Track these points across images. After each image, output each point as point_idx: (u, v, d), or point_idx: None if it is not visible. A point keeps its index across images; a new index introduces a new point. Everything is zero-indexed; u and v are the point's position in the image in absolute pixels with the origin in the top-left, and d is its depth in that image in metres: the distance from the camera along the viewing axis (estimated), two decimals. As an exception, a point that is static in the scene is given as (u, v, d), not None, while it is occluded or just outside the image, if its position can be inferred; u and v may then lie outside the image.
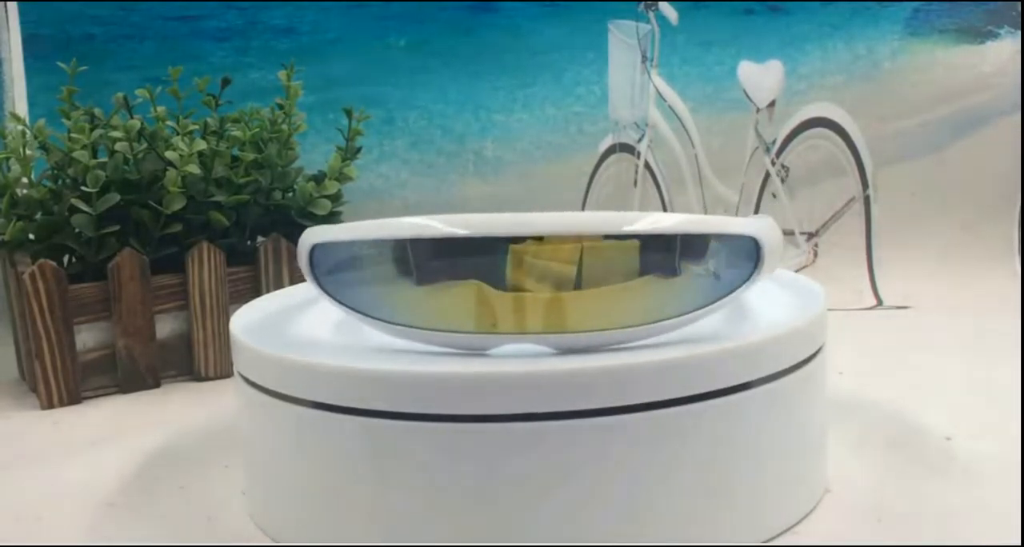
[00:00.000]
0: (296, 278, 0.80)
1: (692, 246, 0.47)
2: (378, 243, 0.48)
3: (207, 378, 0.78)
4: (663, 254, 0.47)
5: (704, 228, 0.47)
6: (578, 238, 0.46)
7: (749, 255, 0.46)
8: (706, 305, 0.46)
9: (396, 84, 1.06)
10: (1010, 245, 1.01)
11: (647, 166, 1.08)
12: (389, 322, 0.47)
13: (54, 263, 0.72)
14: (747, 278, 0.46)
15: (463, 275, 0.46)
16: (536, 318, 0.46)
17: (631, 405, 0.43)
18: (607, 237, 0.46)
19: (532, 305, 0.46)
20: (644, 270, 0.46)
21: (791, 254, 1.05)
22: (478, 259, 0.46)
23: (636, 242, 0.46)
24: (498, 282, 0.46)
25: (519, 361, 0.44)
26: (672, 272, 0.46)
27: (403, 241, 0.47)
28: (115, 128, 0.76)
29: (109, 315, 0.75)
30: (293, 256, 0.80)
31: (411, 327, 0.46)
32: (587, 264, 0.46)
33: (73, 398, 0.74)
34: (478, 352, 0.46)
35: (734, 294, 0.46)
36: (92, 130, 0.75)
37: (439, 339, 0.46)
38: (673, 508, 0.45)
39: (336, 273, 0.48)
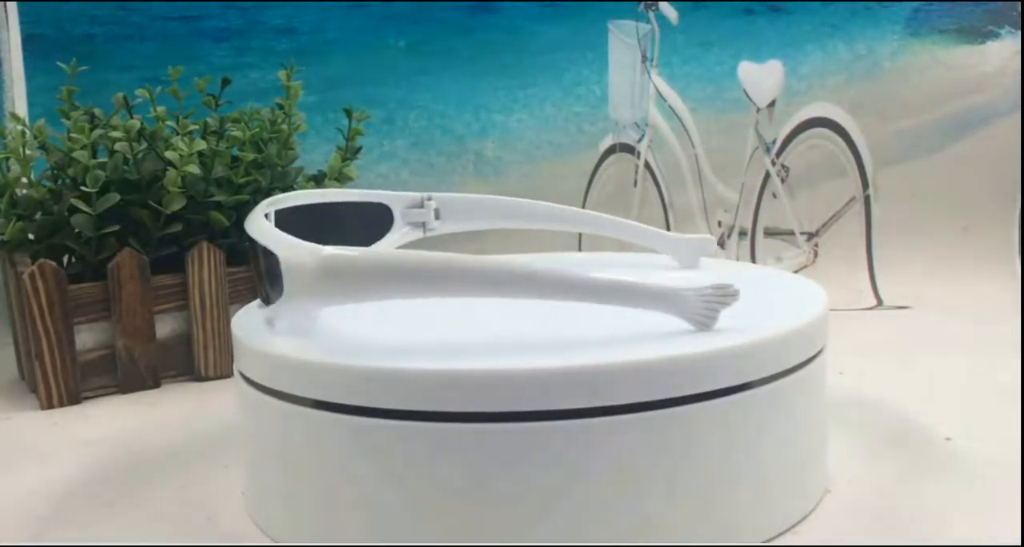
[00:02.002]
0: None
1: None
2: None
3: (207, 378, 0.79)
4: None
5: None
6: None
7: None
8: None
9: (396, 84, 1.06)
10: (1010, 245, 1.01)
11: (647, 166, 1.08)
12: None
13: (54, 263, 0.72)
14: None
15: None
16: None
17: (631, 405, 0.43)
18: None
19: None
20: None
21: (791, 254, 1.06)
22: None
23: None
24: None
25: (519, 361, 0.44)
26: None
27: None
28: (115, 128, 0.76)
29: (109, 315, 0.75)
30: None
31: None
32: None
33: (73, 398, 0.74)
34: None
35: None
36: (92, 130, 0.75)
37: None
38: (673, 508, 0.45)
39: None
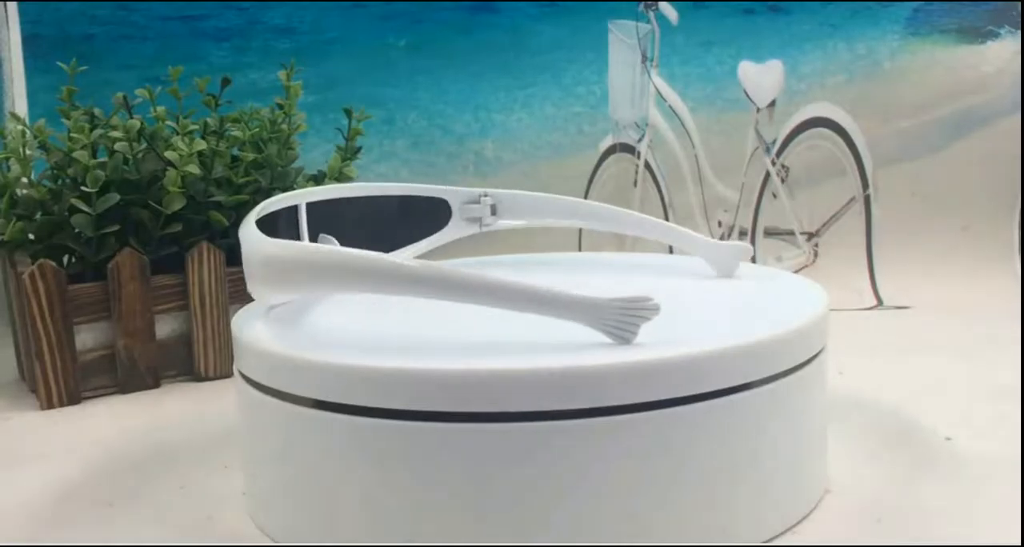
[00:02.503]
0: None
1: None
2: None
3: (207, 378, 0.78)
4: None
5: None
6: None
7: None
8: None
9: (396, 84, 1.06)
10: (1010, 245, 1.01)
11: (647, 166, 1.08)
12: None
13: (54, 263, 0.72)
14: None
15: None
16: None
17: (631, 405, 0.43)
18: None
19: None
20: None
21: (791, 254, 1.06)
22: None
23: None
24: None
25: (520, 361, 0.44)
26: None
27: None
28: (115, 128, 0.76)
29: (109, 315, 0.75)
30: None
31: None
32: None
33: (73, 398, 0.74)
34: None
35: None
36: (92, 130, 0.75)
37: None
38: (673, 508, 0.45)
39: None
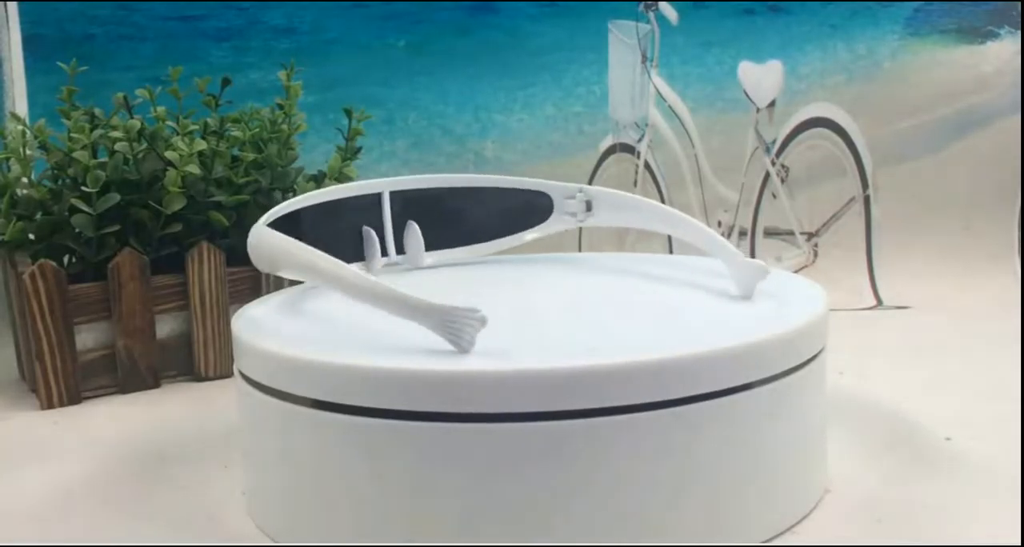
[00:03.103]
0: (296, 278, 0.80)
1: None
2: None
3: (207, 378, 0.79)
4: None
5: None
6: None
7: None
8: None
9: (396, 84, 1.06)
10: (1010, 245, 1.01)
11: (647, 166, 1.08)
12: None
13: (54, 263, 0.72)
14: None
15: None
16: None
17: (631, 405, 0.43)
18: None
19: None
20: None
21: (791, 254, 1.06)
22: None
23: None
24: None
25: (519, 361, 0.44)
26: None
27: None
28: (115, 128, 0.76)
29: (109, 315, 0.75)
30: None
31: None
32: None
33: (73, 398, 0.74)
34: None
35: None
36: (92, 130, 0.75)
37: None
38: (673, 508, 0.45)
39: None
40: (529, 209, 0.68)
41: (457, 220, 0.67)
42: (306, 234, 0.59)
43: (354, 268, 0.50)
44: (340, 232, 0.64)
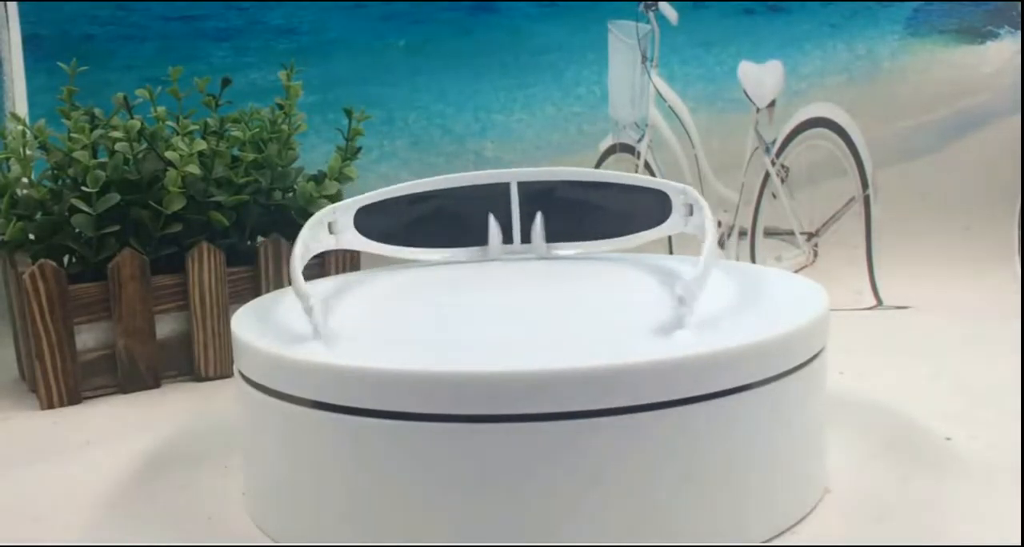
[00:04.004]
0: (296, 278, 0.80)
1: None
2: None
3: (207, 378, 0.79)
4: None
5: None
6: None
7: None
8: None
9: (396, 84, 1.06)
10: (1010, 245, 1.01)
11: (647, 166, 1.08)
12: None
13: (54, 263, 0.72)
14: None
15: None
16: None
17: (630, 406, 0.43)
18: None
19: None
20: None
21: (791, 254, 1.06)
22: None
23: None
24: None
25: (519, 361, 0.44)
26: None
27: None
28: (115, 128, 0.76)
29: (109, 315, 0.75)
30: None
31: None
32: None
33: (73, 398, 0.74)
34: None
35: None
36: (92, 130, 0.75)
37: None
38: (672, 509, 0.45)
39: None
40: (658, 208, 0.66)
41: (576, 213, 0.68)
42: (434, 216, 0.65)
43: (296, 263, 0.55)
44: (466, 217, 0.68)
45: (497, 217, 0.67)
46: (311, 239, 0.61)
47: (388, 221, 0.67)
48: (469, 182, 0.67)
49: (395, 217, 0.67)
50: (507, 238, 0.67)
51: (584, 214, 0.68)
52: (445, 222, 0.68)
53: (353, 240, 0.66)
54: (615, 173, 0.68)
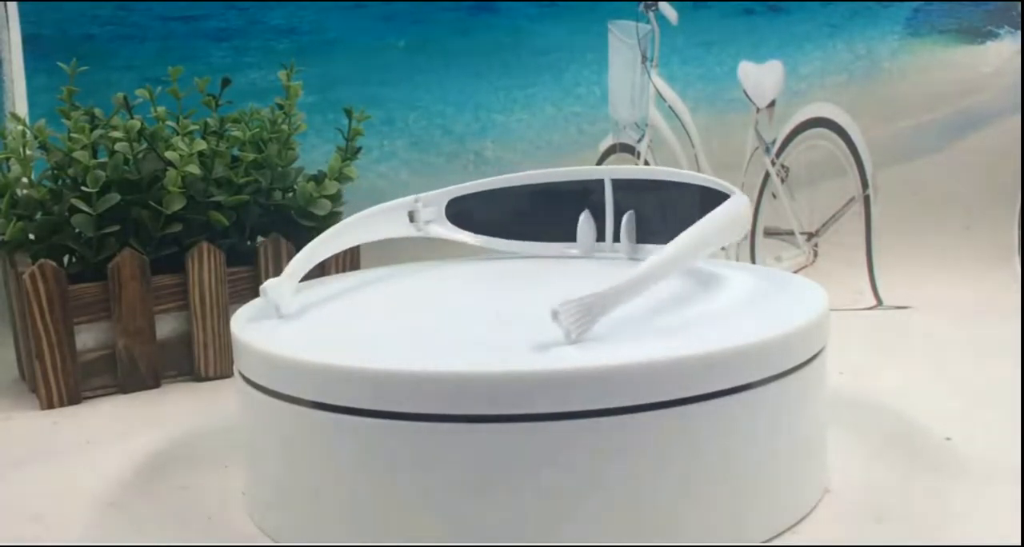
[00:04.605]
0: (296, 278, 0.80)
1: None
2: None
3: (207, 378, 0.79)
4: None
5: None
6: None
7: None
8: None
9: (396, 84, 1.06)
10: (1010, 245, 1.01)
11: (647, 166, 1.08)
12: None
13: (54, 263, 0.72)
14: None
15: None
16: None
17: (630, 406, 0.43)
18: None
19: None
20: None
21: (791, 254, 1.06)
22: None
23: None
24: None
25: (519, 361, 0.44)
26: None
27: None
28: (115, 128, 0.76)
29: (109, 315, 0.75)
30: (293, 256, 0.80)
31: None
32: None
33: (73, 398, 0.74)
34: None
35: None
36: (92, 130, 0.75)
37: None
38: (672, 508, 0.45)
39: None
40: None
41: (664, 212, 0.68)
42: (526, 210, 0.67)
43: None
44: (558, 212, 0.69)
45: (592, 214, 0.67)
46: (384, 223, 0.64)
47: (480, 212, 0.69)
48: (563, 178, 0.68)
49: (487, 209, 0.69)
50: (600, 236, 0.68)
51: (669, 215, 0.67)
52: (537, 216, 0.69)
53: (440, 229, 0.68)
54: (704, 177, 0.66)
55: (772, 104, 1.06)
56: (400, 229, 0.67)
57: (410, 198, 0.67)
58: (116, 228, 0.74)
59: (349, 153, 0.85)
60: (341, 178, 0.83)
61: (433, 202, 0.68)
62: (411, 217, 0.67)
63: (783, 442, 0.48)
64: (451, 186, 0.69)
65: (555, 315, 0.45)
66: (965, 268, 1.00)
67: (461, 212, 0.69)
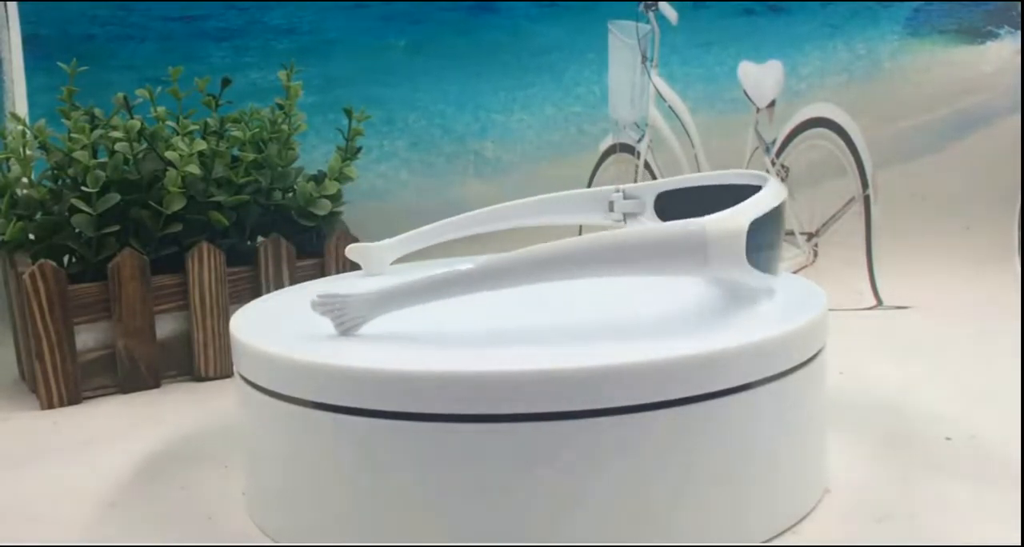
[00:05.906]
0: (296, 278, 0.80)
1: None
2: None
3: (207, 378, 0.79)
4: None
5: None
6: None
7: None
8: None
9: (396, 84, 1.06)
10: (1010, 245, 1.01)
11: (647, 166, 1.08)
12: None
13: (54, 263, 0.72)
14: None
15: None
16: None
17: (630, 406, 0.43)
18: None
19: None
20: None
21: (791, 254, 1.06)
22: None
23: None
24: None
25: (519, 361, 0.44)
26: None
27: None
28: (115, 128, 0.76)
29: (109, 315, 0.75)
30: (293, 256, 0.81)
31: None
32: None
33: (73, 398, 0.74)
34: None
35: None
36: (92, 130, 0.75)
37: None
38: (673, 508, 0.45)
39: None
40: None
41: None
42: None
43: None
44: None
45: None
46: (581, 210, 0.65)
47: (684, 208, 0.67)
48: (724, 181, 0.66)
49: (689, 205, 0.67)
50: None
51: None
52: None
53: (647, 222, 0.68)
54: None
55: (772, 104, 1.06)
56: (598, 217, 0.67)
57: (611, 187, 0.67)
58: (116, 228, 0.74)
59: (349, 153, 0.85)
60: (341, 178, 0.83)
61: (635, 194, 0.67)
62: (610, 207, 0.67)
63: (783, 442, 0.48)
64: (657, 180, 0.68)
65: (312, 305, 0.49)
66: (965, 268, 1.00)
67: (665, 206, 0.68)
